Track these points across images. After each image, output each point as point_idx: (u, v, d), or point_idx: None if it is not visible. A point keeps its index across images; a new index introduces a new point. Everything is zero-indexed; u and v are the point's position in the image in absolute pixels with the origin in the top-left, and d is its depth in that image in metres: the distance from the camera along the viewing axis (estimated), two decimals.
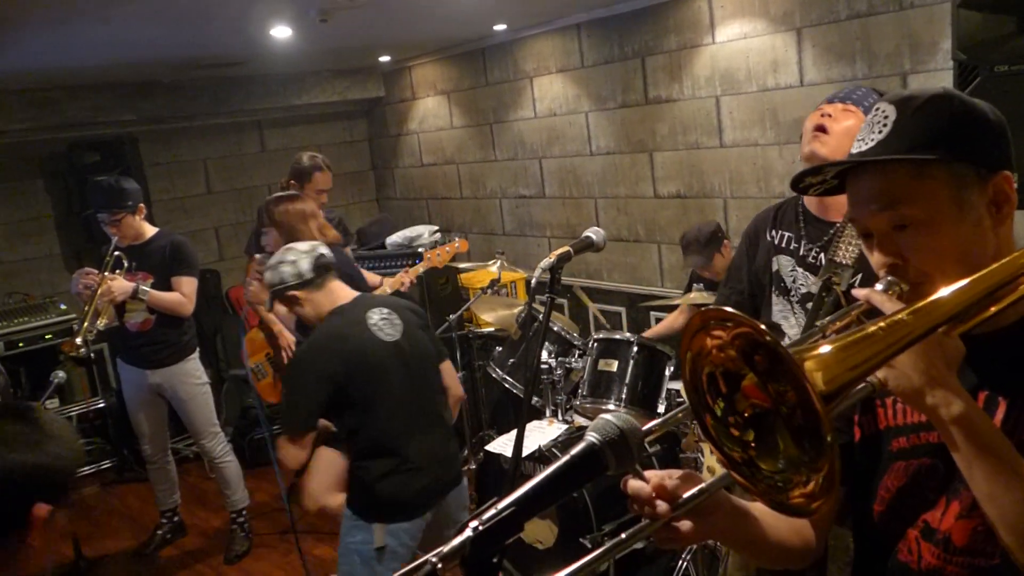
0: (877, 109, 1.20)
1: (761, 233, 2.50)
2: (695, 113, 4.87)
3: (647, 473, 1.12)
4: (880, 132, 1.17)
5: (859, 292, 1.14)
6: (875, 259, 1.20)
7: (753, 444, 1.01)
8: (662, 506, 1.09)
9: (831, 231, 2.31)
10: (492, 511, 0.96)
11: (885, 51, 3.94)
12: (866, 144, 1.19)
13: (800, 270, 2.38)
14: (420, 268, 4.28)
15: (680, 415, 1.16)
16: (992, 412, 1.14)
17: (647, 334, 4.19)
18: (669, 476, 1.13)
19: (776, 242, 2.45)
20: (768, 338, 0.93)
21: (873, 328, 1.00)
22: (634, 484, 1.11)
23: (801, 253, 2.38)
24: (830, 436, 0.90)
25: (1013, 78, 2.66)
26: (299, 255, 2.93)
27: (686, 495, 1.11)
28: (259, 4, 3.86)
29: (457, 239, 4.76)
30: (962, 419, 1.03)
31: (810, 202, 2.39)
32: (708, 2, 4.66)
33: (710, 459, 3.37)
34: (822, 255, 2.31)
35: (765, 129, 4.46)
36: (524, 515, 0.97)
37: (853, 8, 4.03)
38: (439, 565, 0.91)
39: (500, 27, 5.66)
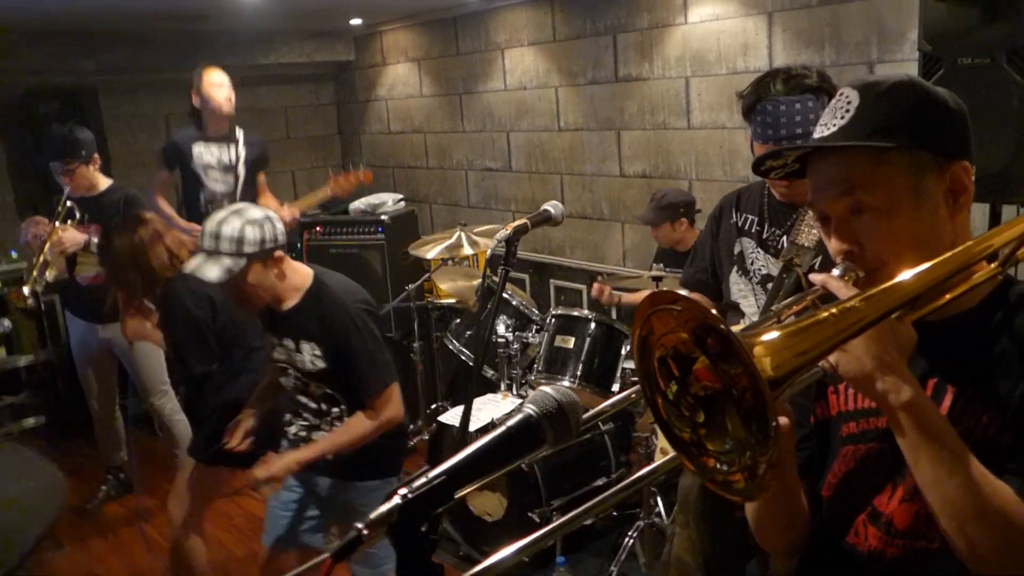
0: (841, 94, 1.19)
1: (725, 215, 2.54)
2: (664, 93, 4.86)
3: None
4: (842, 117, 1.17)
5: (816, 277, 1.14)
6: (832, 244, 1.20)
7: (703, 424, 1.01)
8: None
9: (794, 216, 2.33)
10: (423, 479, 0.94)
11: (854, 39, 3.94)
12: (828, 129, 1.18)
13: (761, 252, 2.41)
14: (321, 195, 4.30)
15: (632, 396, 1.16)
16: (940, 399, 1.15)
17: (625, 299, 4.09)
18: None
19: (740, 224, 2.48)
20: (718, 324, 0.92)
21: (825, 314, 1.00)
22: None
23: (764, 236, 2.40)
24: (775, 421, 0.90)
25: (975, 71, 2.68)
26: (269, 211, 2.62)
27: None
28: None
29: (362, 169, 4.79)
30: (910, 406, 1.04)
31: (775, 187, 2.40)
32: None
33: (663, 440, 3.40)
34: (784, 238, 2.34)
35: (733, 112, 4.45)
36: (456, 485, 0.95)
37: None
38: (364, 531, 0.89)
39: None
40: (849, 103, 1.17)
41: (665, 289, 0.99)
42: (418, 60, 6.67)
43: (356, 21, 6.69)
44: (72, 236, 3.94)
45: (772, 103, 2.21)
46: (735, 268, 2.47)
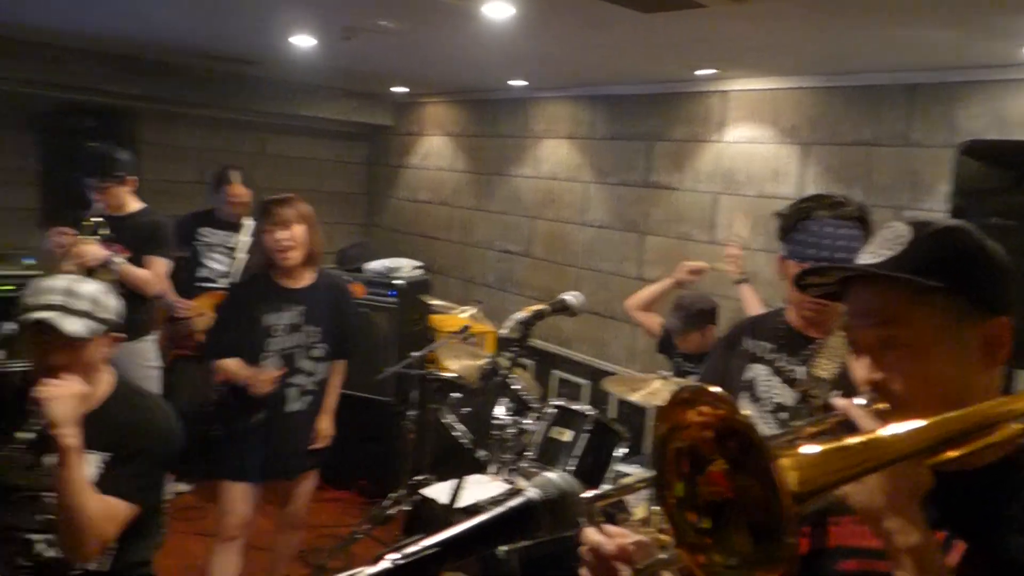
0: (891, 226, 1.20)
1: (738, 340, 2.51)
2: (691, 205, 4.93)
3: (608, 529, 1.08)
4: (891, 249, 1.17)
5: (838, 402, 1.13)
6: (859, 372, 1.19)
7: (709, 533, 0.98)
8: (624, 572, 1.06)
9: (811, 346, 2.32)
10: (415, 547, 0.92)
11: (884, 183, 4.02)
12: (876, 257, 1.18)
13: (775, 380, 2.37)
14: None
15: (640, 485, 1.13)
16: (947, 553, 1.12)
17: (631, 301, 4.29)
18: (632, 542, 1.09)
19: (753, 351, 2.45)
20: (750, 430, 0.91)
21: (853, 441, 0.99)
22: (596, 538, 1.06)
23: (778, 365, 2.38)
24: (792, 539, 0.87)
25: (1003, 232, 2.70)
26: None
27: (641, 564, 1.08)
28: (288, 8, 3.88)
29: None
30: (916, 551, 1.02)
31: (792, 317, 2.40)
32: (722, 101, 4.75)
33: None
34: (798, 368, 2.32)
35: (756, 234, 4.51)
36: (446, 558, 0.94)
37: (860, 135, 4.11)
38: None
39: (518, 83, 5.73)
40: (900, 236, 1.17)
41: (712, 386, 0.96)
42: (455, 135, 6.80)
43: (401, 89, 6.86)
44: (95, 250, 3.96)
45: (817, 223, 2.21)
46: (746, 394, 2.44)
